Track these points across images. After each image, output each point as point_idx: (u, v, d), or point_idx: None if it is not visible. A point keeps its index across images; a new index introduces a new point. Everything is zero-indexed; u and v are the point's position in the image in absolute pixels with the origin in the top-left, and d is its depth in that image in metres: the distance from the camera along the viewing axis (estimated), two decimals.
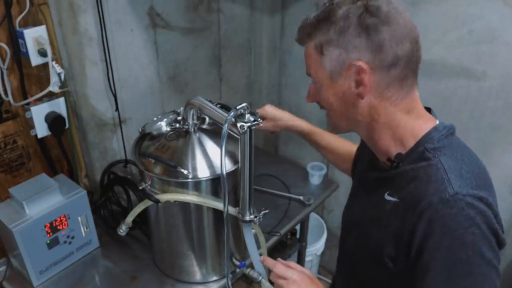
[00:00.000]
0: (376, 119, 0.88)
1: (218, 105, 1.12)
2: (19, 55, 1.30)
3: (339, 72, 0.85)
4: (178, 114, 1.27)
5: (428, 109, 0.93)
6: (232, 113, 0.97)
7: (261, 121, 0.99)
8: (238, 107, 0.97)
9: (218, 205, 1.15)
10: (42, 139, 1.44)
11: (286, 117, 1.33)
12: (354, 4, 0.81)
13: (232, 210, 1.15)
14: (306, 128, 1.33)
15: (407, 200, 0.83)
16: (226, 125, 0.97)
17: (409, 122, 0.88)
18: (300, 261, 2.05)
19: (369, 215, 0.95)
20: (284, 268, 0.97)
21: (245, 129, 0.97)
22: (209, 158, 1.18)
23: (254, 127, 0.98)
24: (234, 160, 1.17)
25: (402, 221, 0.83)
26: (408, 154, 0.87)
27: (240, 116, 0.98)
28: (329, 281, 2.11)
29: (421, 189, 0.81)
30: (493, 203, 0.81)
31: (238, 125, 0.97)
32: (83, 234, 1.39)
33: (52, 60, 1.30)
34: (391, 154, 0.90)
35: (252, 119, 0.98)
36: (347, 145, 1.29)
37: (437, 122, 0.89)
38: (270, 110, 1.33)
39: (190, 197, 1.15)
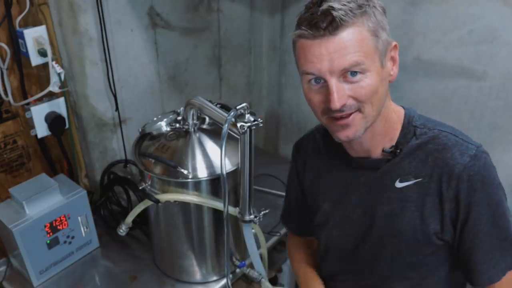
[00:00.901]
0: (385, 102, 0.90)
1: (218, 105, 1.12)
2: (19, 55, 1.30)
3: (384, 55, 0.85)
4: (178, 114, 1.27)
5: None
6: (232, 113, 0.97)
7: (261, 121, 0.99)
8: (238, 107, 0.97)
9: (218, 205, 1.15)
10: (42, 139, 1.44)
11: None
12: None
13: (232, 210, 1.15)
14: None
15: (432, 175, 0.87)
16: (226, 125, 0.97)
17: (392, 104, 0.95)
18: None
19: (382, 212, 0.94)
20: None
21: (245, 129, 0.97)
22: (209, 158, 1.18)
23: (254, 127, 0.98)
24: (234, 160, 1.17)
25: (437, 193, 0.87)
26: (402, 137, 0.91)
27: (240, 116, 0.98)
28: None
29: (444, 158, 0.86)
30: None
31: (238, 125, 0.97)
32: (83, 234, 1.39)
33: (52, 60, 1.30)
34: (389, 139, 0.92)
35: (252, 119, 0.98)
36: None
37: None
38: None
39: (190, 197, 1.15)
